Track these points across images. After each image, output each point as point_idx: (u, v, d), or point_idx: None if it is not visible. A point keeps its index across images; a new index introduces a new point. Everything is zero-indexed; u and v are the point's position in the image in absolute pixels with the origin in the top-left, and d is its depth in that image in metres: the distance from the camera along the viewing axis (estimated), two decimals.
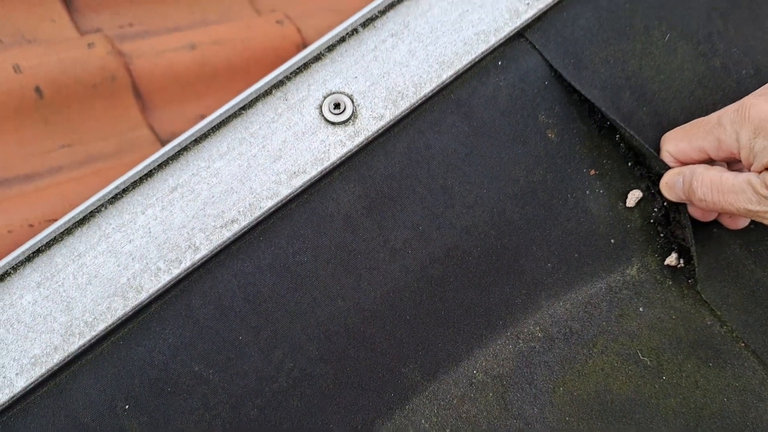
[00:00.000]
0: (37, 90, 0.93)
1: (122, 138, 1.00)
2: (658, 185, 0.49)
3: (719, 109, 0.50)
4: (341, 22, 1.26)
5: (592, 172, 0.49)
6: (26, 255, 0.52)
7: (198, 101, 1.12)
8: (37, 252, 0.52)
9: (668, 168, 0.49)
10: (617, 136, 0.48)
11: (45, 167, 0.93)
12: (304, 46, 1.24)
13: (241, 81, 1.17)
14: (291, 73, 0.49)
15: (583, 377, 0.49)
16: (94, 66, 0.98)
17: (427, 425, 0.47)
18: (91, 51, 0.99)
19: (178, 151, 0.53)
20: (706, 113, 0.50)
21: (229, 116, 0.52)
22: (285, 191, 0.47)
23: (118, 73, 1.00)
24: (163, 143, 1.03)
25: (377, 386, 0.49)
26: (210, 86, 1.13)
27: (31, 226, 0.81)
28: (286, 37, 1.22)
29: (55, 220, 0.83)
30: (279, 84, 0.50)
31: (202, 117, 1.10)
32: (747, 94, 0.49)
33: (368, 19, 0.50)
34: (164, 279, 0.49)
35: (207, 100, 1.12)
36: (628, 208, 0.50)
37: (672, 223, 0.48)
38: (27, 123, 0.93)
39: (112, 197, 0.53)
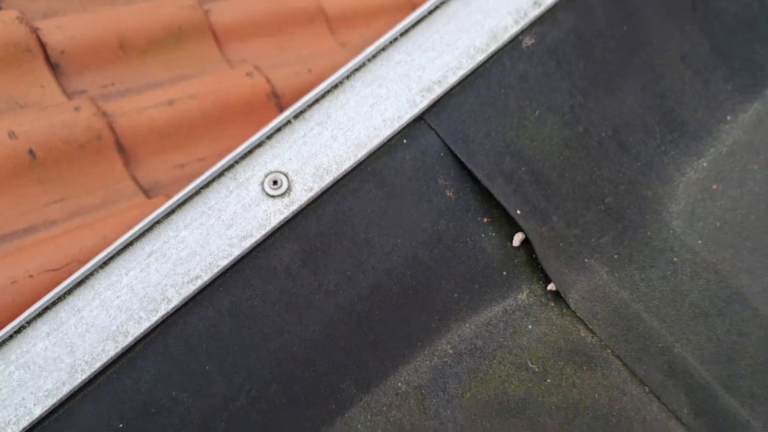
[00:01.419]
0: (31, 152, 1.06)
1: (108, 190, 1.13)
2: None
3: (584, 165, 0.63)
4: (306, 69, 1.39)
5: (485, 219, 0.62)
6: (37, 311, 0.65)
7: (177, 152, 1.25)
8: (45, 309, 0.65)
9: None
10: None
11: (40, 221, 1.06)
12: (274, 94, 1.38)
13: (215, 130, 1.30)
14: (239, 158, 0.63)
15: (485, 384, 0.62)
16: (81, 128, 1.11)
17: (362, 429, 0.60)
18: (78, 114, 1.12)
19: (153, 224, 0.66)
20: (575, 170, 0.63)
21: (192, 195, 0.65)
22: (237, 251, 0.61)
23: (103, 132, 1.13)
24: (146, 192, 1.16)
25: (321, 400, 0.62)
26: (188, 137, 1.26)
27: (30, 276, 0.93)
28: (256, 87, 1.35)
29: (53, 270, 0.95)
30: (230, 167, 0.63)
31: (181, 166, 1.23)
32: (607, 152, 0.62)
33: (299, 111, 0.63)
34: (145, 325, 0.62)
35: (186, 150, 1.25)
36: (515, 247, 0.64)
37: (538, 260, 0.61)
38: (22, 182, 1.06)
39: (103, 263, 0.66)
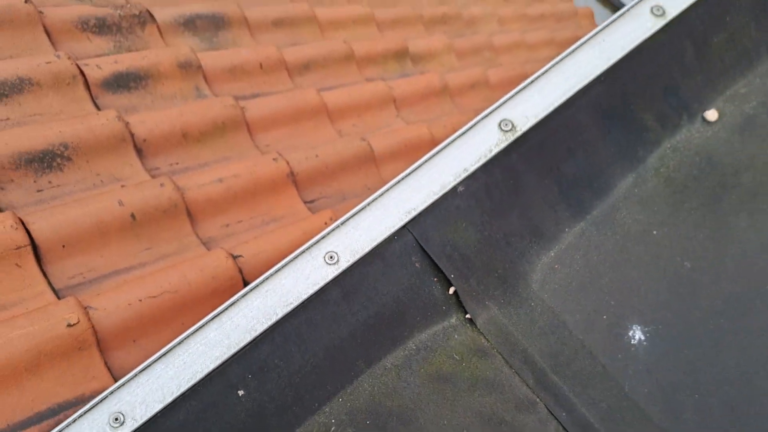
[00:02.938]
0: (132, 216, 1.54)
1: (180, 243, 1.61)
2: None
3: (488, 252, 1.15)
4: (314, 155, 1.89)
5: (435, 279, 1.13)
6: (206, 321, 1.10)
7: (223, 216, 1.74)
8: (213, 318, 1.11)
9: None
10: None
11: (137, 263, 1.53)
12: (292, 173, 1.88)
13: (251, 201, 1.79)
14: (313, 244, 1.11)
15: (431, 365, 1.10)
16: (165, 198, 1.59)
17: (368, 388, 1.08)
18: (163, 189, 1.60)
19: (269, 276, 1.14)
20: (483, 255, 1.14)
21: (288, 263, 1.13)
22: (310, 292, 1.08)
23: (179, 202, 1.62)
24: (205, 245, 1.64)
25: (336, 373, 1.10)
26: (232, 205, 1.76)
27: (140, 301, 1.39)
28: (280, 169, 1.86)
29: (152, 297, 1.41)
30: (308, 249, 1.12)
31: (227, 226, 1.72)
32: (500, 246, 1.13)
33: (345, 220, 1.13)
34: (267, 324, 1.09)
35: (229, 215, 1.74)
36: (450, 294, 1.13)
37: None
38: (127, 236, 1.53)
39: (242, 296, 1.13)
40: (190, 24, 2.20)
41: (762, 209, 1.13)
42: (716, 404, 1.02)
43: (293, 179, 1.89)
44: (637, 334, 1.07)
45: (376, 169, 2.11)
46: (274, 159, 1.86)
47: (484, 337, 1.06)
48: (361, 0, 3.02)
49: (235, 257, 1.52)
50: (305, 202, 1.88)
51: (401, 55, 2.76)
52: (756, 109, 1.21)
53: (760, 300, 1.08)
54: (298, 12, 2.59)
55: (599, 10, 4.97)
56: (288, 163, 1.88)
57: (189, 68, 1.98)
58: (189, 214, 1.64)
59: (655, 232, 1.13)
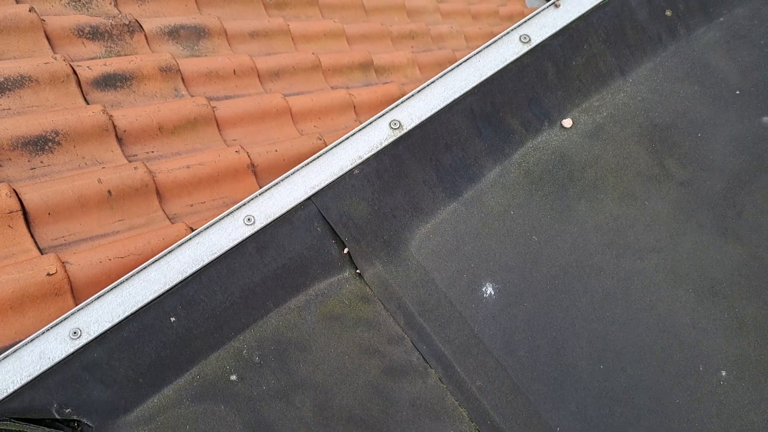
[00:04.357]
0: (109, 192, 1.84)
1: (149, 216, 1.91)
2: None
3: (376, 221, 1.45)
4: (274, 150, 2.20)
5: (333, 241, 1.42)
6: (142, 268, 1.40)
7: (189, 197, 2.03)
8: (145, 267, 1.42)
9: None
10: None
11: (111, 231, 1.82)
12: (252, 165, 2.18)
13: (214, 186, 2.09)
14: (236, 208, 1.41)
15: (327, 307, 1.39)
16: (138, 179, 1.89)
17: (294, 309, 1.37)
18: (137, 171, 1.90)
19: (192, 236, 1.44)
20: (373, 223, 1.44)
21: (212, 224, 1.43)
22: (227, 248, 1.39)
23: (149, 183, 1.92)
24: (170, 219, 1.94)
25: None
26: (196, 189, 2.05)
27: (109, 260, 1.69)
28: (241, 160, 2.16)
29: (120, 257, 1.71)
30: (231, 212, 1.43)
31: (191, 206, 2.01)
32: (388, 217, 1.43)
33: (269, 187, 1.42)
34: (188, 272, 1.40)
35: (194, 197, 2.04)
36: (345, 253, 1.42)
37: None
38: (104, 208, 1.83)
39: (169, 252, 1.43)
40: (174, 33, 2.52)
41: (599, 198, 1.43)
42: (544, 345, 1.31)
43: (253, 169, 2.19)
44: (488, 290, 1.36)
45: None
46: (236, 151, 2.16)
47: (369, 287, 1.35)
48: (334, 16, 3.34)
49: (193, 230, 1.81)
50: None
51: (366, 66, 3.07)
52: (605, 119, 1.51)
53: (588, 268, 1.37)
54: (273, 25, 2.90)
55: None
56: (249, 155, 2.18)
57: (169, 72, 2.29)
58: (158, 193, 1.94)
59: (512, 212, 1.43)
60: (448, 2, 4.49)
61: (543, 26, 1.48)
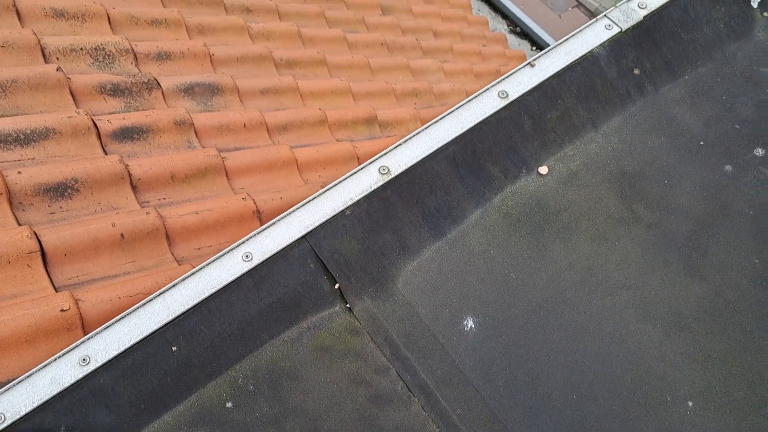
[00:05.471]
0: (122, 235, 1.97)
1: (159, 259, 2.03)
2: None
3: (365, 259, 1.56)
4: (279, 197, 2.34)
5: (325, 277, 1.52)
6: (148, 300, 1.53)
7: (196, 241, 2.16)
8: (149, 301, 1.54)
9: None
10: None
11: (122, 272, 1.95)
12: (257, 211, 2.32)
13: (221, 230, 2.22)
14: (235, 247, 1.54)
15: (319, 339, 1.48)
16: (149, 224, 2.03)
17: (284, 347, 1.46)
18: (148, 216, 2.04)
19: (194, 272, 1.57)
20: (363, 261, 1.55)
21: (210, 262, 1.57)
22: (225, 282, 1.50)
23: (160, 227, 2.05)
24: (178, 261, 2.06)
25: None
26: (204, 233, 2.18)
27: (119, 298, 1.81)
28: (247, 207, 2.30)
29: (129, 296, 1.83)
30: (231, 250, 1.55)
31: (198, 249, 2.14)
32: (378, 256, 1.54)
33: (269, 225, 1.56)
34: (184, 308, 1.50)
35: (201, 241, 2.17)
36: (336, 288, 1.52)
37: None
38: (116, 250, 1.96)
39: (172, 287, 1.55)
40: (190, 90, 2.72)
41: (573, 239, 1.54)
42: (521, 375, 1.39)
43: (258, 215, 2.32)
44: (469, 324, 1.45)
45: None
46: (243, 198, 2.30)
47: (358, 321, 1.45)
48: (341, 75, 3.55)
49: None
50: None
51: (370, 121, 3.25)
52: (579, 167, 1.63)
53: (562, 304, 1.46)
54: (283, 83, 3.11)
55: None
56: (255, 202, 2.32)
57: (183, 125, 2.47)
58: (168, 237, 2.07)
59: (492, 252, 1.53)
60: (451, 62, 4.73)
61: (519, 83, 1.62)
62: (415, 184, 1.56)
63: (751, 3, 1.81)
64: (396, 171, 1.53)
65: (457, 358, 1.41)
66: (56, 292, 1.79)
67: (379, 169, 1.53)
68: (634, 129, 1.63)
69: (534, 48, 6.14)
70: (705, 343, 1.36)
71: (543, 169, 1.62)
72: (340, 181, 1.52)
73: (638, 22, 1.68)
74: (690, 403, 1.30)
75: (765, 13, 1.81)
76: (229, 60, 3.04)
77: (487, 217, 1.57)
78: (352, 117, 3.15)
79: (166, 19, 2.97)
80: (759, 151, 1.52)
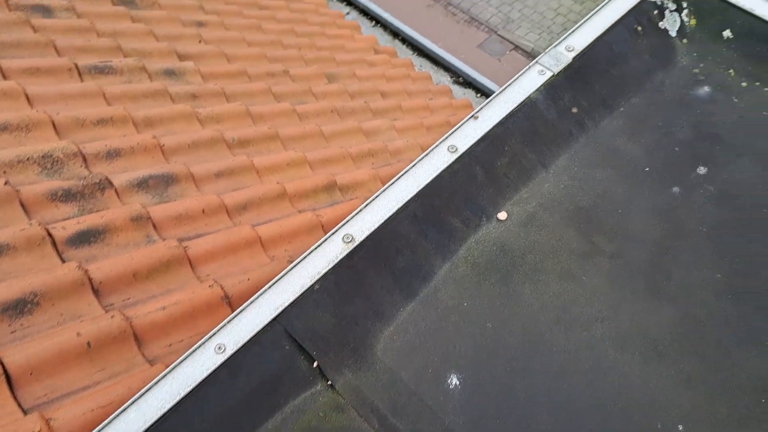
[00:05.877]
0: (88, 344, 1.91)
1: (128, 362, 1.97)
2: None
3: (341, 332, 1.54)
4: (246, 279, 2.31)
5: (302, 357, 1.50)
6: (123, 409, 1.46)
7: (166, 338, 2.10)
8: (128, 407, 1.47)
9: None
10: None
11: (92, 382, 1.87)
12: (226, 296, 2.28)
13: (191, 322, 2.17)
14: (206, 339, 1.51)
15: (305, 414, 1.44)
16: (115, 328, 1.97)
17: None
18: (113, 320, 1.98)
19: (172, 369, 1.52)
20: (339, 335, 1.53)
21: (180, 362, 1.51)
22: (200, 379, 1.45)
23: (127, 329, 1.99)
24: (150, 362, 2.00)
25: None
26: (173, 328, 2.13)
27: (92, 411, 1.73)
28: (215, 294, 2.26)
29: (101, 407, 1.75)
30: (201, 345, 1.51)
31: (169, 346, 2.08)
32: (350, 327, 1.52)
33: (238, 312, 1.53)
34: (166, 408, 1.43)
35: (172, 337, 2.11)
36: (315, 367, 1.50)
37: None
38: (83, 361, 1.89)
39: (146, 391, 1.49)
40: (143, 184, 2.70)
41: (542, 280, 1.55)
42: (511, 424, 1.37)
43: (227, 301, 2.28)
44: (453, 381, 1.43)
45: None
46: (210, 286, 2.26)
47: (341, 396, 1.42)
48: (295, 146, 3.60)
49: None
50: None
51: (330, 187, 3.27)
52: (535, 208, 1.67)
53: (541, 345, 1.46)
54: (238, 163, 3.12)
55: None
56: (222, 287, 2.28)
57: (140, 220, 2.44)
58: (136, 338, 2.01)
59: (465, 304, 1.53)
60: (401, 119, 4.85)
61: (466, 136, 1.67)
62: (381, 248, 1.56)
63: (670, 33, 1.92)
64: (360, 237, 1.54)
65: (446, 419, 1.39)
66: (25, 415, 1.70)
67: (342, 238, 1.53)
68: (582, 164, 1.69)
69: (479, 95, 6.36)
70: (684, 365, 1.37)
71: (502, 215, 1.65)
72: (305, 256, 1.52)
73: (568, 64, 1.76)
74: (680, 427, 1.30)
75: (684, 40, 1.92)
76: (180, 148, 3.05)
77: (455, 269, 1.58)
78: (311, 186, 3.17)
79: (112, 117, 2.98)
80: (701, 170, 1.58)
